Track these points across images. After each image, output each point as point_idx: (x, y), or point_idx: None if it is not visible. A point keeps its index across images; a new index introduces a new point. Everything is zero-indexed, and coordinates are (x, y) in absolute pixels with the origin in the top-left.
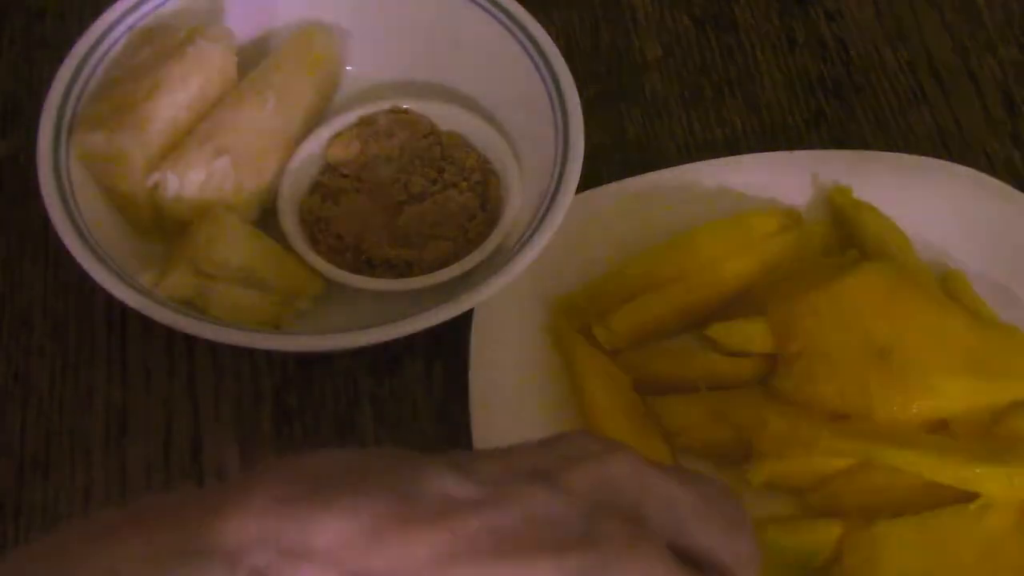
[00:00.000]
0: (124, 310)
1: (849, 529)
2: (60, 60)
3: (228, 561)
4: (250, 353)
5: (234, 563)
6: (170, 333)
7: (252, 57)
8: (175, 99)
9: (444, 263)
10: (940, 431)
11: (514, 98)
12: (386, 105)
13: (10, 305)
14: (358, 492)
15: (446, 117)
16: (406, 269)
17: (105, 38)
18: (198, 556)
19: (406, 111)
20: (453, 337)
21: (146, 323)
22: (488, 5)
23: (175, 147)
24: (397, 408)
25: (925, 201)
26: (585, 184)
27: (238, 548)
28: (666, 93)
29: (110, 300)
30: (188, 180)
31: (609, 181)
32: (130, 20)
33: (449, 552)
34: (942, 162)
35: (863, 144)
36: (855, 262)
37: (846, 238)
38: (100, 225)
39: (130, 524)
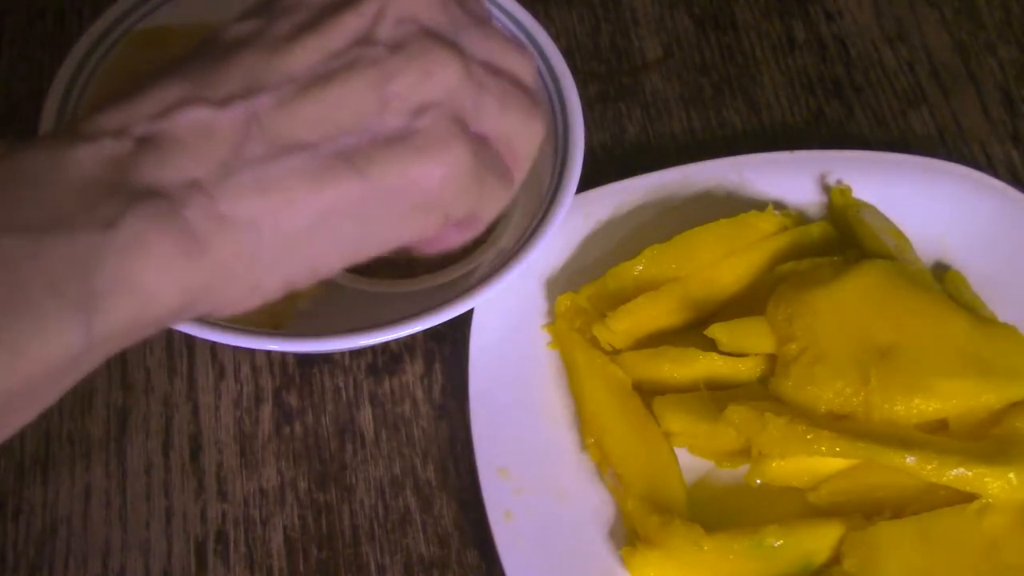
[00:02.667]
0: None
1: (849, 529)
2: (60, 60)
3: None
4: (250, 353)
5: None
6: (170, 333)
7: None
8: None
9: (444, 264)
10: (940, 431)
11: None
12: None
13: None
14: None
15: None
16: (407, 268)
17: (105, 38)
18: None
19: None
20: (453, 337)
21: None
22: (487, 4)
23: None
24: (397, 408)
25: (925, 201)
26: (585, 184)
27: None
28: (666, 93)
29: None
30: None
31: (609, 181)
32: (130, 20)
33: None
34: (942, 162)
35: (863, 144)
36: (855, 262)
37: (846, 238)
38: None
39: None
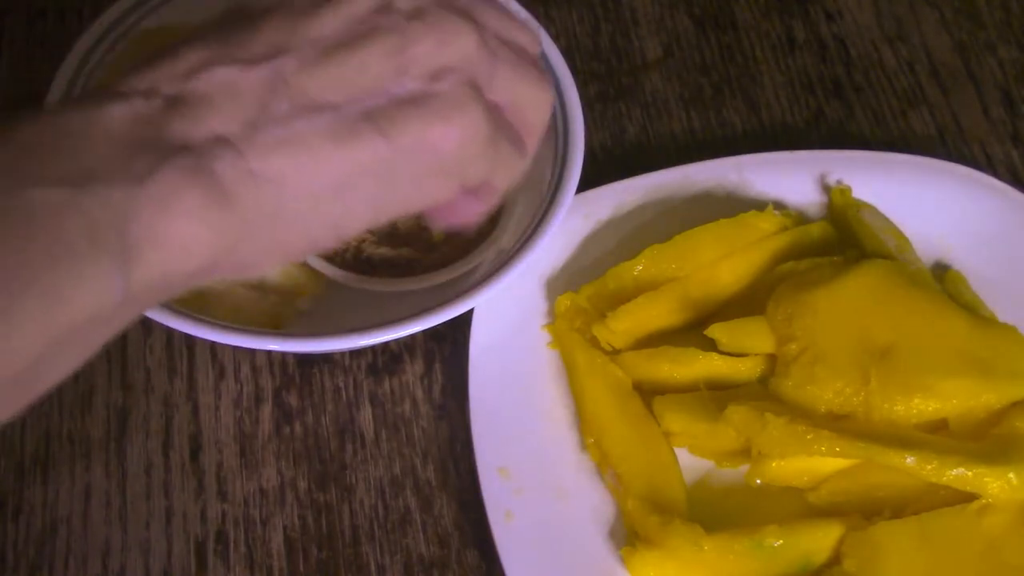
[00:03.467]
0: None
1: (849, 529)
2: (60, 60)
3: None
4: (250, 353)
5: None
6: (170, 333)
7: None
8: None
9: (444, 263)
10: (940, 431)
11: None
12: None
13: None
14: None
15: None
16: (407, 268)
17: (105, 38)
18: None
19: None
20: (453, 337)
21: (146, 323)
22: None
23: None
24: (397, 408)
25: (925, 201)
26: (585, 184)
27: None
28: (666, 93)
29: None
30: None
31: (609, 181)
32: (130, 20)
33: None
34: (942, 162)
35: (863, 144)
36: (855, 262)
37: (846, 238)
38: None
39: None
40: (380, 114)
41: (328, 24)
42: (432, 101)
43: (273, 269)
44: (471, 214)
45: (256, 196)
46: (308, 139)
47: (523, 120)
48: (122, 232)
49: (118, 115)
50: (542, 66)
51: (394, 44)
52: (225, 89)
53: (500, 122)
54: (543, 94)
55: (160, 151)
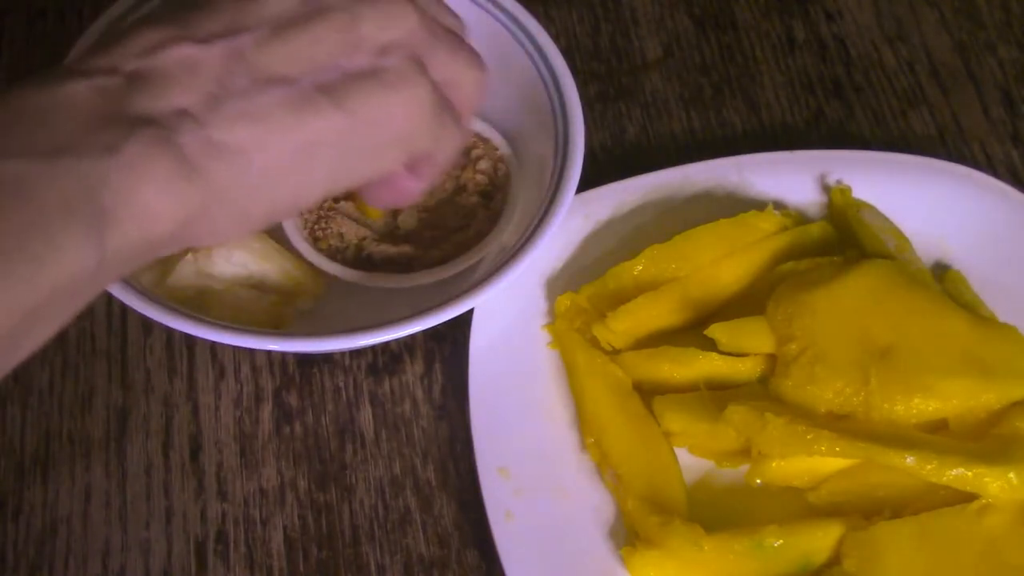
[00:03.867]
0: (124, 310)
1: (849, 529)
2: (60, 60)
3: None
4: (250, 353)
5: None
6: (170, 333)
7: None
8: None
9: (445, 261)
10: (940, 431)
11: (514, 98)
12: None
13: None
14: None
15: None
16: (407, 266)
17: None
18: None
19: None
20: (453, 337)
21: (146, 323)
22: (488, 4)
23: None
24: (397, 408)
25: (925, 201)
26: (585, 184)
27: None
28: (666, 93)
29: (110, 300)
30: None
31: (609, 181)
32: (130, 20)
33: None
34: (942, 162)
35: (863, 144)
36: (855, 262)
37: (846, 238)
38: None
39: None
40: (335, 87)
41: (279, 5)
42: (382, 74)
43: (238, 239)
44: (411, 191)
45: (220, 166)
46: (267, 110)
47: (460, 96)
48: (95, 200)
49: (82, 91)
50: (471, 46)
51: (344, 21)
52: (184, 65)
53: (442, 97)
54: (478, 72)
55: (125, 124)
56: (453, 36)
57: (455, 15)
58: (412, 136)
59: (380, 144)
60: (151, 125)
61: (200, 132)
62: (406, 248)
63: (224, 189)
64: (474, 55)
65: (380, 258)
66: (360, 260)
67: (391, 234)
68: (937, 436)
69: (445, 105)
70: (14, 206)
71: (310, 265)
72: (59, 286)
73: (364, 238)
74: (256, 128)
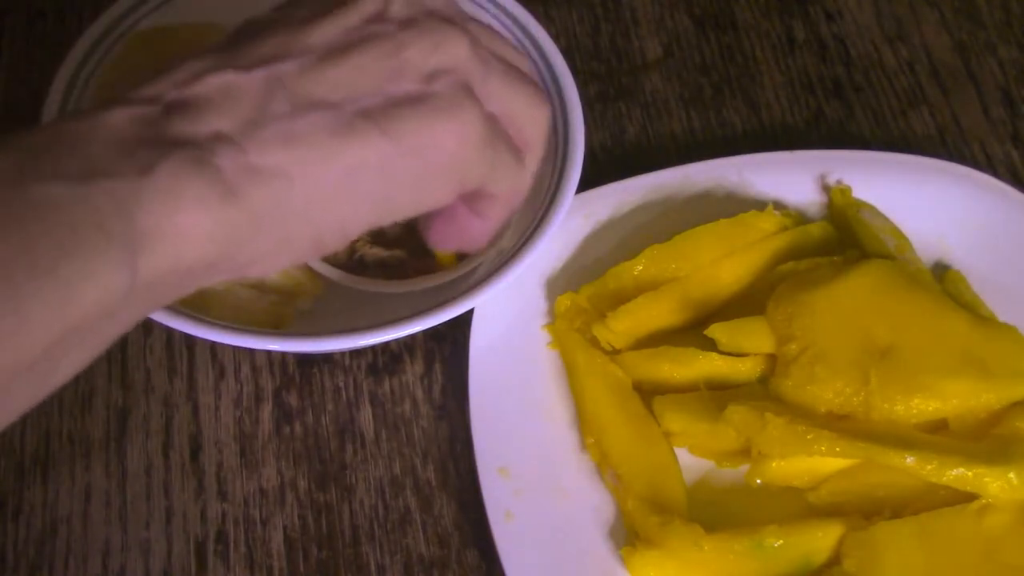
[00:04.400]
0: None
1: (849, 529)
2: (60, 60)
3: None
4: (250, 353)
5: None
6: (170, 333)
7: None
8: None
9: (439, 267)
10: (940, 431)
11: None
12: None
13: None
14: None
15: None
16: (400, 270)
17: (105, 38)
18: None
19: None
20: (453, 337)
21: (146, 323)
22: (488, 4)
23: None
24: (397, 408)
25: (925, 201)
26: (585, 184)
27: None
28: (666, 93)
29: None
30: None
31: (609, 181)
32: (130, 20)
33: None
34: (942, 162)
35: (863, 144)
36: (855, 262)
37: (846, 238)
38: None
39: None
40: (378, 112)
41: (324, 32)
42: (429, 100)
43: (280, 269)
44: (476, 232)
45: (260, 189)
46: (308, 135)
47: (520, 134)
48: (129, 222)
49: (120, 118)
50: (537, 82)
51: (389, 48)
52: (224, 91)
53: (497, 127)
54: (539, 109)
55: (162, 146)
56: (510, 68)
57: (517, 50)
58: (463, 165)
59: (428, 172)
60: (187, 147)
61: (238, 155)
62: (398, 252)
63: (264, 214)
64: (535, 90)
65: (372, 260)
66: (352, 262)
67: (382, 236)
68: (937, 436)
69: (500, 135)
70: (45, 229)
71: (309, 266)
72: (90, 311)
73: (357, 240)
74: (296, 152)
